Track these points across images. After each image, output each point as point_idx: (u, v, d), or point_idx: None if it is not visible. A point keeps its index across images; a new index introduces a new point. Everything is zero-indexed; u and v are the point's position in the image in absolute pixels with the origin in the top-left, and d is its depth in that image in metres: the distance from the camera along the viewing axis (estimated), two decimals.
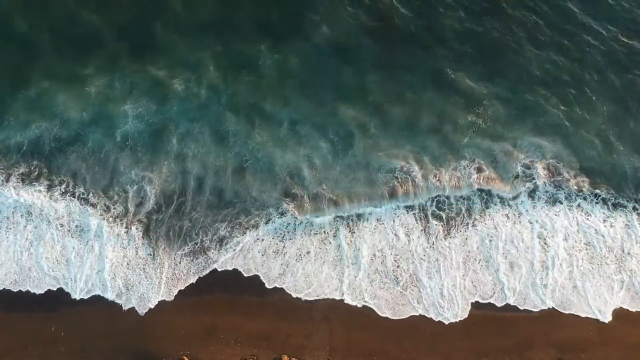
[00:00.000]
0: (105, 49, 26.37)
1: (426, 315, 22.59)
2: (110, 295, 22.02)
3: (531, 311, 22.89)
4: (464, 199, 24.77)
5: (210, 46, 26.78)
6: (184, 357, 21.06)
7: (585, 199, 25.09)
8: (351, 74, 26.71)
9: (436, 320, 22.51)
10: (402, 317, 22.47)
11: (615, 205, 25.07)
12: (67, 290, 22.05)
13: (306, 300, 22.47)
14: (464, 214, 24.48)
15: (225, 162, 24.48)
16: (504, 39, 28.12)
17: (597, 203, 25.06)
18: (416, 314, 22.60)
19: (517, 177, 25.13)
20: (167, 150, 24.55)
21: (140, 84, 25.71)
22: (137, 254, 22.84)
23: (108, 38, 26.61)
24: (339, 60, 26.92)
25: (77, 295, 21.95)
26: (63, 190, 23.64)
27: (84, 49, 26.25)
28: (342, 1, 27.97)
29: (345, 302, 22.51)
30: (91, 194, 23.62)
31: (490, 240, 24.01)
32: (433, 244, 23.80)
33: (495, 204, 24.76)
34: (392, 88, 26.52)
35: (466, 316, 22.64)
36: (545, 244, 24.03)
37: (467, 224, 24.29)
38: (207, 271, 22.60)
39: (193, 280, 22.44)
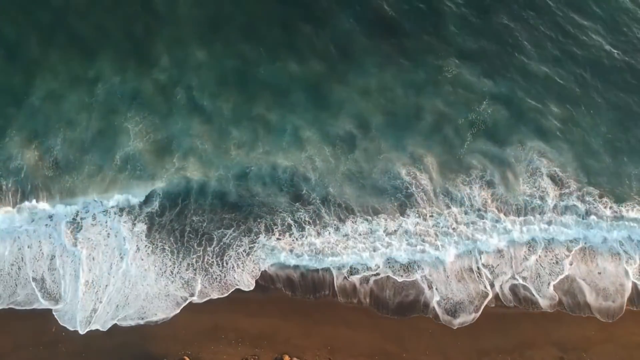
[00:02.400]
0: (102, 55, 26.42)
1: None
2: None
3: (533, 310, 22.94)
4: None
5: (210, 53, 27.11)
6: (185, 357, 20.99)
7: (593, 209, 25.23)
8: (351, 75, 27.09)
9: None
10: (403, 317, 22.55)
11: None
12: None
13: (307, 300, 22.50)
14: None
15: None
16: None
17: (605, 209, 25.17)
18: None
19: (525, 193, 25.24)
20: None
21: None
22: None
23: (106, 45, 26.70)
24: (338, 61, 27.33)
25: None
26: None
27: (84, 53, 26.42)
28: (342, 2, 28.46)
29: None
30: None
31: None
32: None
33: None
34: (393, 89, 26.93)
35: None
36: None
37: None
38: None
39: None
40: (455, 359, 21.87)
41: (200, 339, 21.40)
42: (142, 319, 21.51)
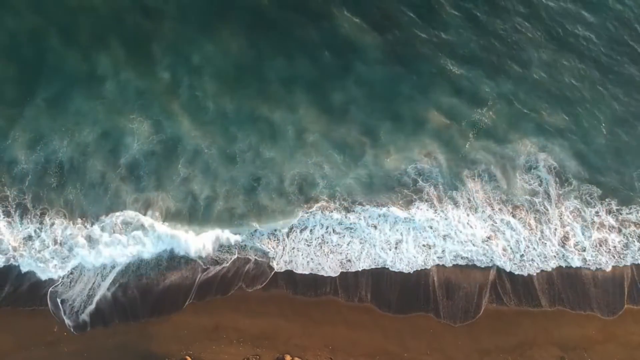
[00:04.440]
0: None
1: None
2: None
3: (533, 308, 23.06)
4: None
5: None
6: (187, 357, 21.07)
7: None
8: (354, 76, 26.85)
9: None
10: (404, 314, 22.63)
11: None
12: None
13: (308, 300, 22.54)
14: None
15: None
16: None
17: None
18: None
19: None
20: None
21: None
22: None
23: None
24: (341, 62, 27.03)
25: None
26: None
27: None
28: (344, 1, 28.15)
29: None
30: None
31: None
32: None
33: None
34: (397, 89, 26.74)
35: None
36: None
37: None
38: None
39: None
40: (456, 359, 21.97)
41: (201, 338, 21.47)
42: None
